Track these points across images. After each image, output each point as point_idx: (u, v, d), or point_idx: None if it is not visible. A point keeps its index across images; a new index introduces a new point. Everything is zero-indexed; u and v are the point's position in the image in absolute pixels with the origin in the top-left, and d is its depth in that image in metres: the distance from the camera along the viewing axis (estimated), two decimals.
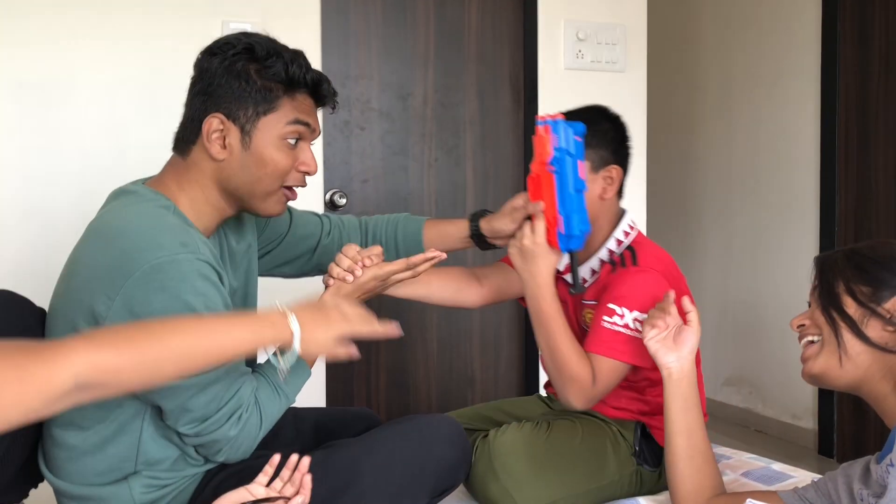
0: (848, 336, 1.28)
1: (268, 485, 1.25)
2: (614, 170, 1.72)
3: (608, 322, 1.63)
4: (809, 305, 1.37)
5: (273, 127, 1.37)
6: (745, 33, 3.83)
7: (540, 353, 1.64)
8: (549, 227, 1.57)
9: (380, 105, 2.78)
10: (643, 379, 1.75)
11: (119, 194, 1.41)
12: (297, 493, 1.25)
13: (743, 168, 3.87)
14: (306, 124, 1.40)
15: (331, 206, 2.69)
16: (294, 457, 1.27)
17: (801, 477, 1.76)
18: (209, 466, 1.41)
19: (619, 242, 1.74)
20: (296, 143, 1.41)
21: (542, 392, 2.10)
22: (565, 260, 1.65)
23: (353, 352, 1.28)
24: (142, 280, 1.24)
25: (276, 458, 1.26)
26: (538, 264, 1.59)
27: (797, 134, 3.52)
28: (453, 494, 1.66)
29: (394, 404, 2.87)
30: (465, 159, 2.92)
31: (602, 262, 1.74)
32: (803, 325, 1.36)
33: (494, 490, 1.65)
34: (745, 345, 3.86)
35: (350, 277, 1.51)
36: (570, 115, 1.65)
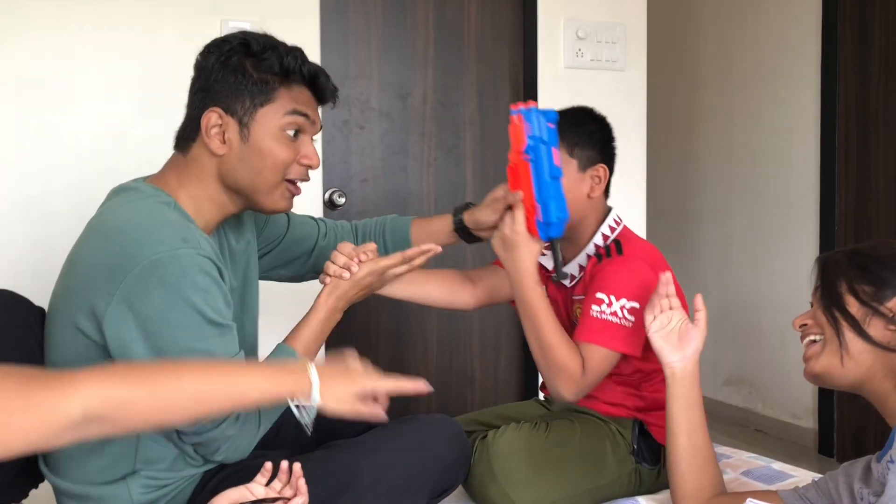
0: (850, 335, 1.28)
1: (267, 485, 1.25)
2: (601, 169, 1.75)
3: (596, 311, 1.64)
4: (812, 306, 1.37)
5: (271, 118, 1.37)
6: (744, 33, 3.83)
7: (530, 346, 1.64)
8: (528, 215, 1.57)
9: (379, 104, 2.77)
10: (636, 372, 1.75)
11: (119, 191, 1.41)
12: (295, 494, 1.25)
13: (743, 168, 3.86)
14: (305, 115, 1.40)
15: (330, 205, 2.69)
16: (284, 463, 1.25)
17: (802, 476, 1.76)
18: (208, 467, 1.41)
19: (606, 237, 1.76)
20: (296, 135, 1.40)
21: (540, 395, 2.10)
22: (551, 263, 1.65)
23: (379, 413, 1.25)
24: (141, 275, 1.23)
25: (269, 465, 1.24)
26: (519, 253, 1.59)
27: (797, 134, 3.52)
28: (452, 496, 1.66)
29: (393, 404, 2.84)
30: (465, 159, 2.91)
31: (589, 256, 1.76)
32: (805, 325, 1.36)
33: (493, 493, 1.65)
34: (744, 344, 3.85)
35: (347, 274, 1.52)
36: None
